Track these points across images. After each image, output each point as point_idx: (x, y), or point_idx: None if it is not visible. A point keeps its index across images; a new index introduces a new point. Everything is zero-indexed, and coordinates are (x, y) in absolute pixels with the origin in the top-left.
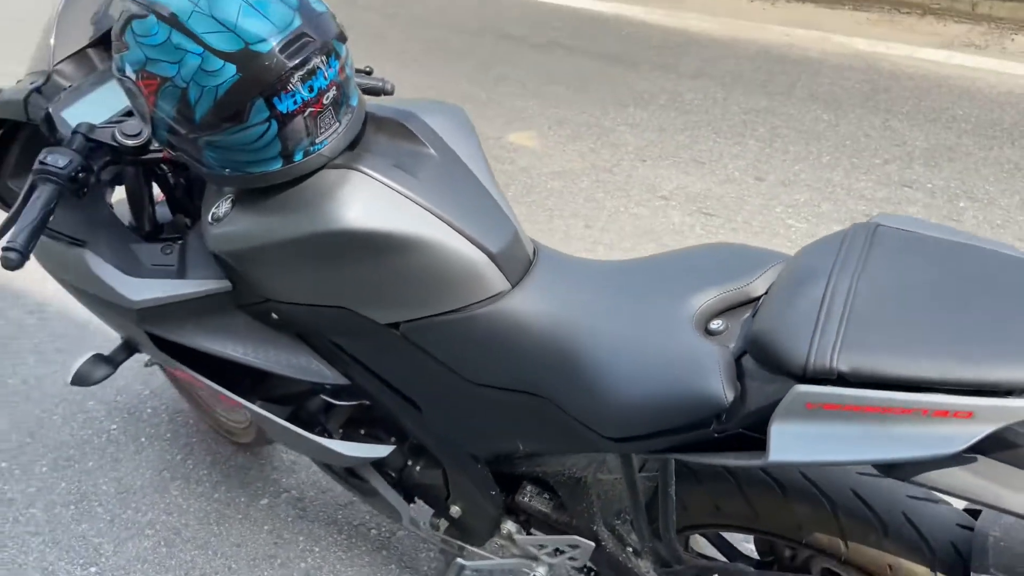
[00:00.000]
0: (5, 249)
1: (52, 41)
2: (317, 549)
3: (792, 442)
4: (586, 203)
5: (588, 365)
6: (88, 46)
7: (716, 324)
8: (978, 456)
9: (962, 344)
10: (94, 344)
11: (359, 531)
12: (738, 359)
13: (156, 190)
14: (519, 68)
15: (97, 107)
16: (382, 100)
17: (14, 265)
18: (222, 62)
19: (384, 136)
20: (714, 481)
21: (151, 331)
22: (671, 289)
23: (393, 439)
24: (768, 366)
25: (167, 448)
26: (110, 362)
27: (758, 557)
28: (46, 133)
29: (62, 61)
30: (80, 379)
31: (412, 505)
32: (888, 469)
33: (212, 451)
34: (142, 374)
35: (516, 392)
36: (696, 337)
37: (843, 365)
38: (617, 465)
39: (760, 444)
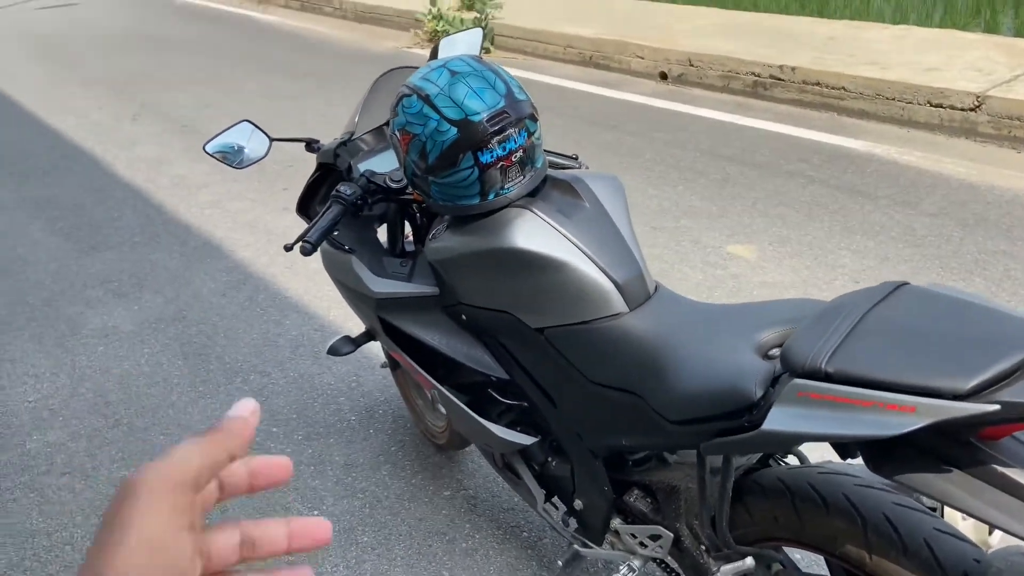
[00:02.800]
0: (304, 241)
1: (358, 116)
2: (478, 536)
3: (783, 418)
4: None
5: (669, 369)
6: (384, 124)
7: (774, 352)
8: (954, 469)
9: (920, 361)
10: (357, 357)
11: (514, 531)
12: (777, 376)
13: (408, 228)
14: (755, 190)
15: (380, 163)
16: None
17: (309, 252)
18: (449, 126)
19: (556, 191)
20: (777, 496)
21: (383, 317)
22: (749, 324)
23: (538, 435)
24: (786, 368)
25: (386, 440)
26: (354, 343)
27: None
28: (346, 177)
29: (367, 132)
30: (333, 351)
31: (551, 499)
32: (876, 466)
33: (417, 448)
34: (381, 385)
35: (619, 390)
36: (752, 356)
37: (829, 367)
38: (703, 475)
39: None
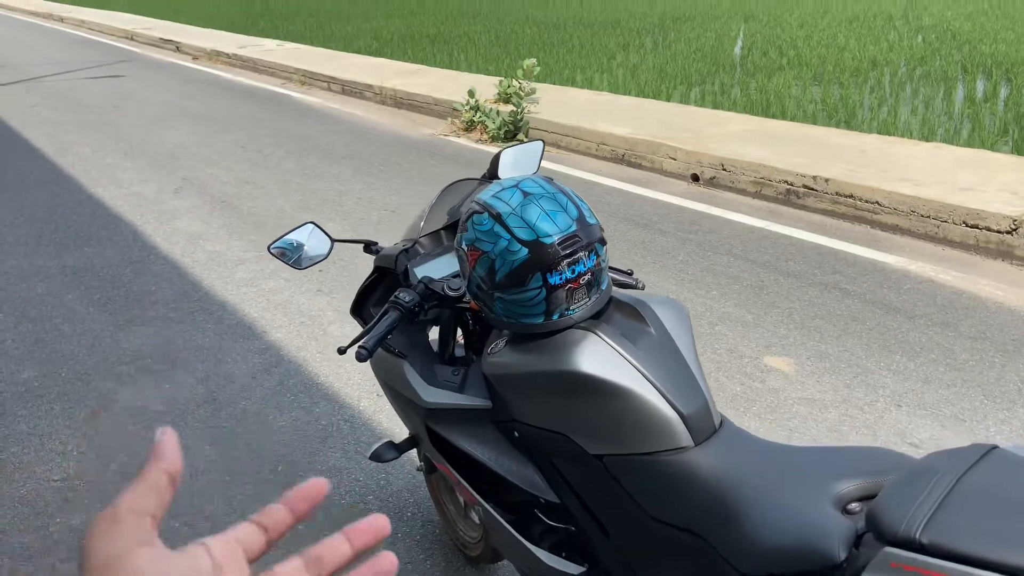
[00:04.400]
0: (360, 347)
1: (423, 223)
2: None
3: None
4: (829, 433)
5: (742, 515)
6: (441, 228)
7: (854, 506)
8: None
9: (1022, 539)
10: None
11: None
12: (861, 535)
13: (459, 333)
14: (791, 300)
15: (437, 269)
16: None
17: (363, 359)
18: (520, 246)
19: (620, 314)
20: None
21: (431, 427)
22: (824, 473)
23: (587, 564)
24: (875, 535)
25: (414, 546)
26: (397, 449)
27: None
28: (402, 281)
29: (424, 236)
30: (376, 456)
31: None
32: None
33: (447, 558)
34: (410, 485)
35: (681, 530)
36: (831, 511)
37: (924, 537)
38: None
39: None
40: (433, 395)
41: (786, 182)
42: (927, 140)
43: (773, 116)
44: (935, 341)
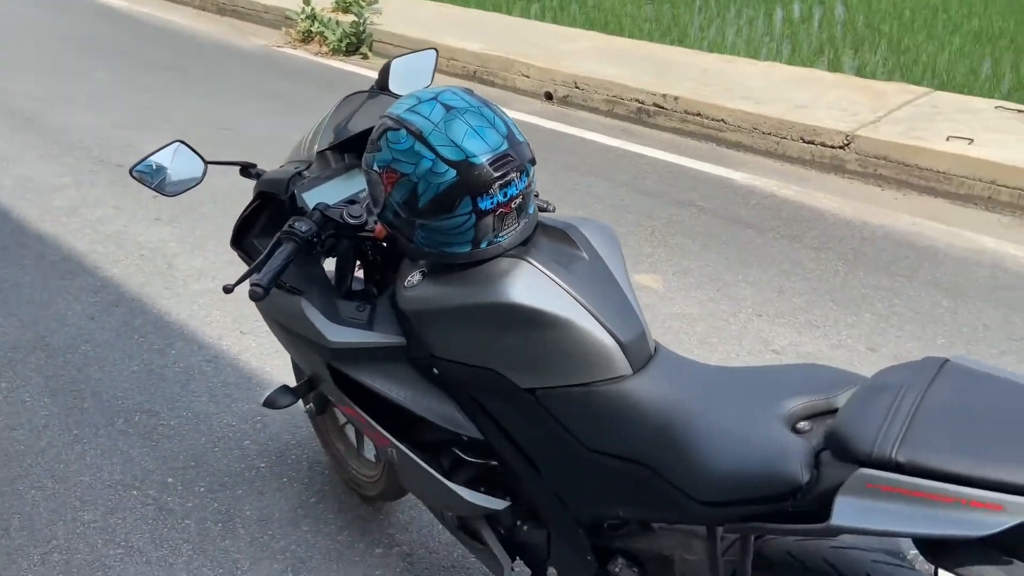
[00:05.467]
0: (254, 285)
1: (317, 143)
2: None
3: (852, 511)
4: (700, 345)
5: (691, 441)
6: (328, 149)
7: (803, 425)
8: (1015, 560)
9: (999, 453)
10: (259, 391)
11: None
12: (818, 453)
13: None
14: (652, 219)
15: (329, 193)
16: (548, 215)
17: (259, 297)
18: (446, 167)
19: (550, 239)
20: (787, 571)
21: (338, 367)
22: (768, 393)
23: (509, 498)
24: (840, 456)
25: (303, 490)
26: (293, 394)
27: None
28: (288, 208)
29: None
30: (269, 403)
31: (513, 563)
32: (934, 557)
33: (341, 500)
34: (290, 426)
35: (625, 460)
36: (785, 432)
37: (900, 456)
38: (701, 548)
39: (823, 520)
40: (339, 334)
41: (637, 100)
42: (753, 59)
43: (612, 33)
44: (784, 253)
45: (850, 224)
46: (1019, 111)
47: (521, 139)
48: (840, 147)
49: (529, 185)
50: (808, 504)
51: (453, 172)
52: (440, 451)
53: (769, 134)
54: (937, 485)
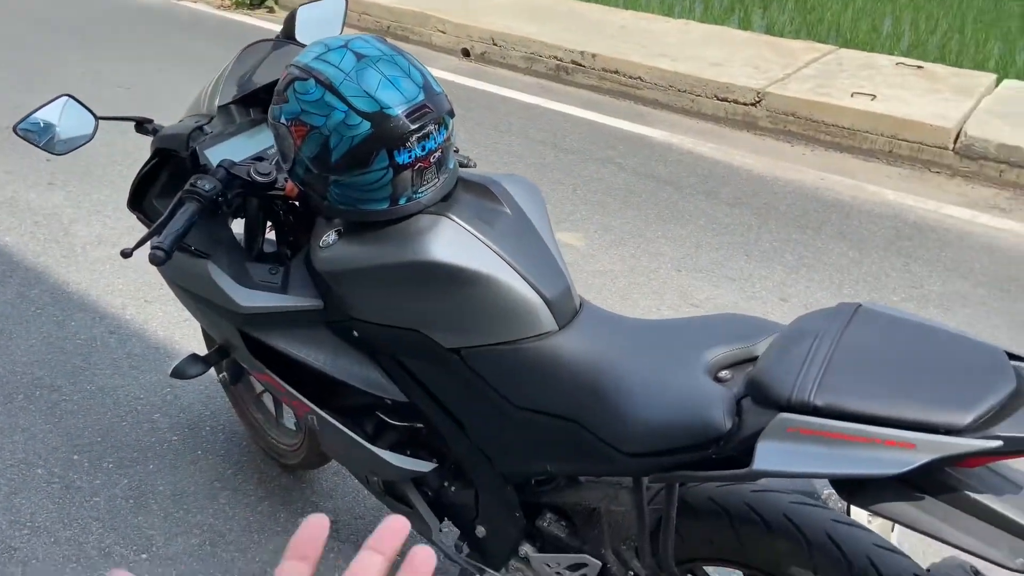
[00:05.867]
0: (155, 248)
1: (218, 96)
2: (344, 565)
3: (773, 456)
4: (622, 301)
5: (615, 394)
6: (231, 103)
7: (724, 374)
8: (926, 496)
9: (912, 393)
10: (167, 362)
11: None
12: (739, 400)
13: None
14: (573, 177)
15: (235, 150)
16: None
17: (160, 261)
18: (360, 119)
19: (471, 195)
20: (710, 516)
21: (250, 333)
22: (690, 344)
23: (435, 460)
24: (760, 402)
25: (220, 462)
26: (204, 362)
27: None
28: (190, 166)
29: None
30: (178, 373)
31: (442, 524)
32: (850, 495)
33: (260, 470)
34: (203, 396)
35: (551, 416)
36: (706, 380)
37: (818, 400)
38: (627, 498)
39: (746, 466)
40: (251, 298)
41: (555, 58)
42: (668, 16)
43: None
44: (701, 209)
45: (762, 180)
46: (918, 67)
47: (438, 90)
48: (752, 104)
49: (448, 138)
50: (731, 451)
51: (367, 124)
52: (363, 416)
53: (684, 91)
54: (853, 426)
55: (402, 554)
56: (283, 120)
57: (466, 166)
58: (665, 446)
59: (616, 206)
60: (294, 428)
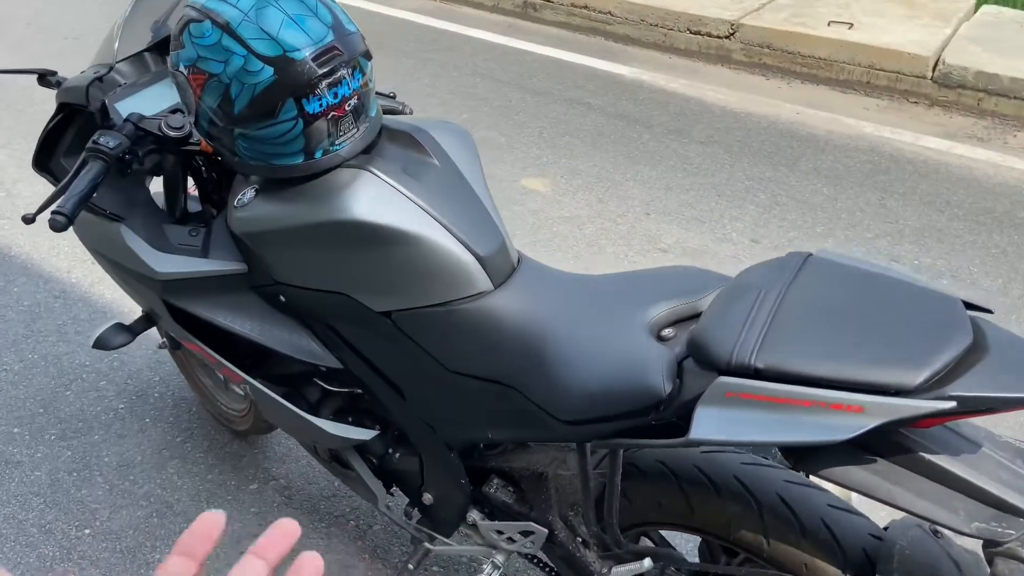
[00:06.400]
0: (55, 213)
1: (117, 41)
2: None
3: (711, 423)
4: (588, 247)
5: (553, 359)
6: (145, 49)
7: (667, 332)
8: (878, 458)
9: (860, 352)
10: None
11: (338, 522)
12: (680, 361)
13: (190, 183)
14: (540, 119)
15: (147, 102)
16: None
17: (61, 227)
18: (262, 64)
19: (396, 146)
20: (658, 480)
21: (171, 302)
22: (632, 301)
23: (377, 427)
24: (701, 364)
25: (168, 430)
26: (129, 331)
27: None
28: (99, 120)
29: (122, 60)
30: (101, 343)
31: (389, 492)
32: (797, 461)
33: (210, 437)
34: (152, 361)
35: (488, 381)
36: (648, 340)
37: (759, 362)
38: (574, 462)
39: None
40: (168, 264)
41: None
42: None
43: None
44: (672, 149)
45: (736, 116)
46: None
47: (351, 29)
48: (726, 36)
49: (366, 84)
50: (671, 416)
51: (270, 70)
52: (300, 383)
53: (656, 26)
54: (797, 390)
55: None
56: (181, 68)
57: (399, 112)
58: (601, 413)
59: (584, 148)
60: (242, 393)
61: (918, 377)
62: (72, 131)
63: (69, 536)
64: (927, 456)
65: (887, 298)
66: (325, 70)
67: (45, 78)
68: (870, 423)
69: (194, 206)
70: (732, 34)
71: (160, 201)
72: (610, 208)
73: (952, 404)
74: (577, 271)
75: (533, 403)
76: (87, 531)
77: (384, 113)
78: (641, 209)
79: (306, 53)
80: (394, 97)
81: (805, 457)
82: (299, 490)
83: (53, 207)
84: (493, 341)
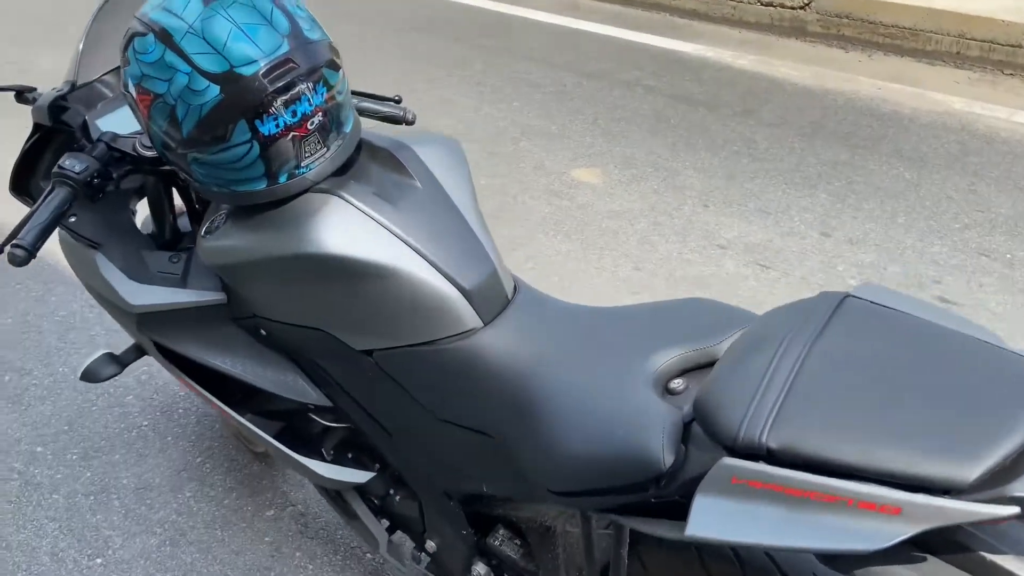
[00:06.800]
0: (13, 246)
1: (79, 53)
2: (311, 567)
3: (713, 517)
4: (640, 245)
5: (541, 412)
6: (112, 70)
7: (676, 384)
8: (928, 556)
9: (900, 432)
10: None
11: (355, 553)
12: (688, 423)
13: (179, 201)
14: (595, 104)
15: (126, 119)
16: (401, 129)
17: (20, 262)
18: (207, 82)
19: (374, 165)
20: (676, 548)
21: (150, 336)
22: (638, 342)
23: (377, 466)
24: (708, 433)
25: (189, 449)
26: (119, 362)
27: None
28: (81, 139)
29: (106, 74)
30: (89, 375)
31: (394, 535)
32: (829, 559)
33: (230, 457)
34: None
35: (476, 432)
36: (651, 396)
37: (773, 441)
38: (590, 533)
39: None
40: (142, 295)
41: None
42: None
43: None
44: (736, 132)
45: (810, 93)
46: None
47: (314, 37)
48: (801, 7)
49: (332, 98)
50: (674, 493)
51: (216, 89)
52: (295, 418)
53: None
54: (818, 481)
55: None
56: (129, 87)
57: (400, 121)
58: (592, 485)
59: (640, 135)
60: None
61: (973, 472)
62: (50, 152)
63: (80, 566)
64: (990, 557)
65: (939, 356)
66: (279, 86)
67: (24, 95)
68: (908, 531)
69: (185, 226)
70: (807, 4)
71: (151, 224)
72: (666, 200)
73: (1015, 510)
74: (626, 271)
75: (523, 464)
76: (99, 560)
77: (385, 121)
78: (699, 200)
79: (256, 68)
80: (399, 102)
81: (839, 555)
82: (316, 517)
83: (14, 240)
84: (481, 387)
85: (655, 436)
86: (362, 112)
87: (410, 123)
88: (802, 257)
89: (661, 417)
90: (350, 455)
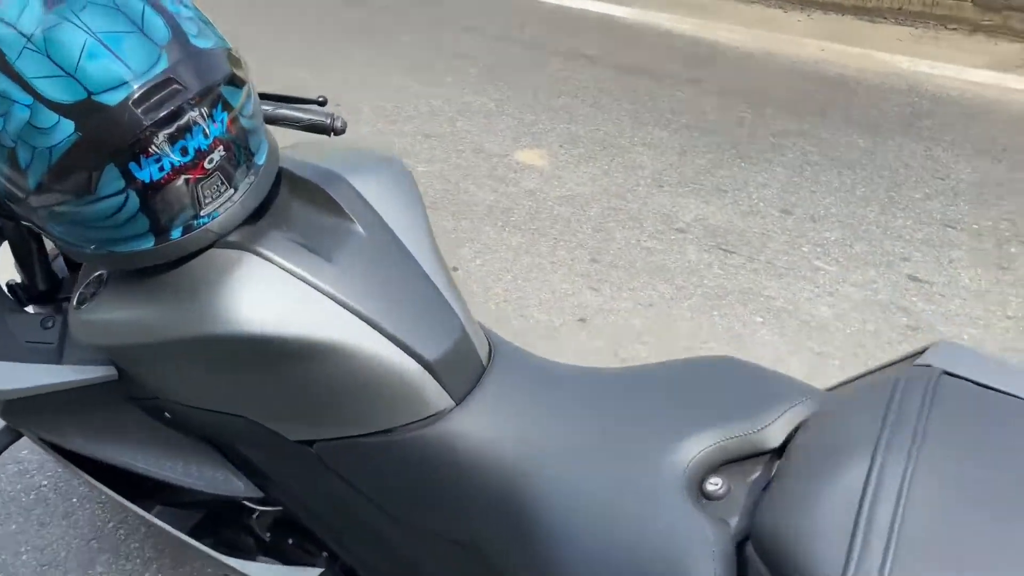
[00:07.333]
0: None
1: None
2: None
3: None
4: (595, 233)
5: (537, 522)
6: None
7: (714, 485)
8: None
9: None
10: None
11: None
12: (740, 544)
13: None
14: (532, 77)
15: None
16: (329, 142)
17: None
18: (56, 116)
19: (299, 204)
20: None
21: (19, 428)
22: (659, 425)
23: (325, 555)
24: (763, 558)
25: (99, 512)
26: (13, 432)
27: None
28: None
29: None
30: None
31: None
32: None
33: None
34: None
35: (450, 542)
36: (684, 504)
37: None
38: None
39: None
40: (5, 377)
41: None
42: None
43: None
44: (683, 103)
45: (753, 58)
46: None
47: (205, 45)
48: None
49: (235, 122)
50: None
51: (69, 125)
52: (219, 505)
53: None
54: None
55: None
56: None
57: (327, 130)
58: None
59: (584, 110)
60: None
61: None
62: None
63: None
64: None
65: None
66: (159, 116)
67: None
68: None
69: (62, 272)
70: None
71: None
72: (617, 181)
73: None
74: (583, 265)
75: None
76: None
77: (306, 131)
78: (652, 180)
79: (125, 93)
80: (323, 104)
81: None
82: None
83: None
84: (454, 483)
85: (702, 566)
86: (276, 121)
87: (339, 132)
88: (764, 239)
89: (703, 539)
90: (290, 541)
